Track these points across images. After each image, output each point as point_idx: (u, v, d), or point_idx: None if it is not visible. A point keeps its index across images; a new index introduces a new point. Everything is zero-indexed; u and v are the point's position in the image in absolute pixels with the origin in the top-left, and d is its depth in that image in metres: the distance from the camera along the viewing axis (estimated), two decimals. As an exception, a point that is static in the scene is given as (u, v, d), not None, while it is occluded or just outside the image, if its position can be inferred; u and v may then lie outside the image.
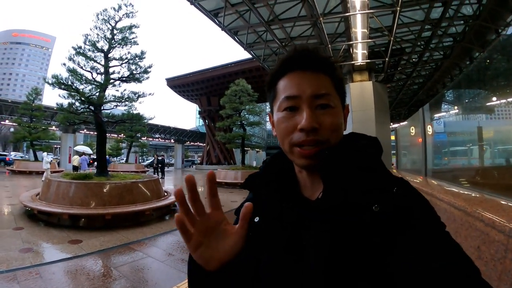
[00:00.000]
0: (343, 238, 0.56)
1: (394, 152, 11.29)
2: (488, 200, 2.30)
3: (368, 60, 11.89)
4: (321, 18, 9.48)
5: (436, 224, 0.55)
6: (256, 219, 0.70)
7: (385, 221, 0.54)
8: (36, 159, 23.23)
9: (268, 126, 76.41)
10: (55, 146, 44.25)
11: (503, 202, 2.15)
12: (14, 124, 25.50)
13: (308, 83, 0.65)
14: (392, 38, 10.21)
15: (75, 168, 17.11)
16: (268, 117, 0.79)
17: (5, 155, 35.40)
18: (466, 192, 2.85)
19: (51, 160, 17.96)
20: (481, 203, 2.15)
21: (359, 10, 8.47)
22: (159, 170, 21.81)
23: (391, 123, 18.00)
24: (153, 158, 27.56)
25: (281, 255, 0.62)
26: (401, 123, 21.04)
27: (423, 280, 0.47)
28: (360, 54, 11.20)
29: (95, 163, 10.42)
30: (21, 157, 35.05)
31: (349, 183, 0.60)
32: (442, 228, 0.55)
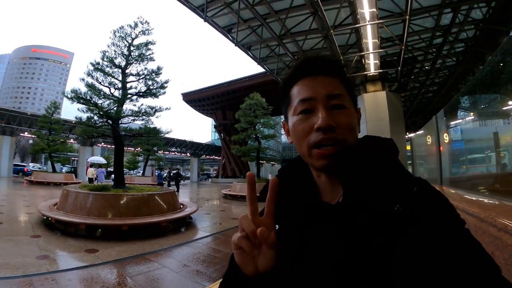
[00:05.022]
0: (355, 241, 0.56)
1: (410, 162, 11.22)
2: (502, 206, 2.29)
3: (381, 70, 11.88)
4: (331, 31, 9.58)
5: (454, 221, 0.54)
6: (276, 227, 0.68)
7: (404, 221, 0.54)
8: (54, 170, 23.71)
9: (283, 139, 77.08)
10: (73, 158, 45.07)
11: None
12: (33, 136, 26.14)
13: (321, 85, 0.67)
14: (403, 47, 10.18)
15: (90, 180, 17.55)
16: (282, 128, 0.81)
17: (24, 166, 36.17)
18: (480, 199, 2.84)
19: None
20: (494, 208, 2.15)
21: (368, 21, 8.53)
22: (174, 183, 21.39)
23: (407, 133, 17.77)
24: (167, 171, 27.10)
25: (295, 262, 0.63)
26: (416, 133, 20.84)
27: (436, 275, 0.47)
28: (372, 64, 11.22)
29: (113, 175, 10.57)
30: (39, 168, 35.87)
31: (369, 184, 0.61)
32: (460, 225, 0.54)
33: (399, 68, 11.69)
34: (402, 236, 0.52)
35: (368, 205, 0.58)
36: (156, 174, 20.65)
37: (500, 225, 1.76)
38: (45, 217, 7.32)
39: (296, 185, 0.75)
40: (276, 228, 0.68)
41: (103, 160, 26.30)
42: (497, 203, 2.47)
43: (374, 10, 8.21)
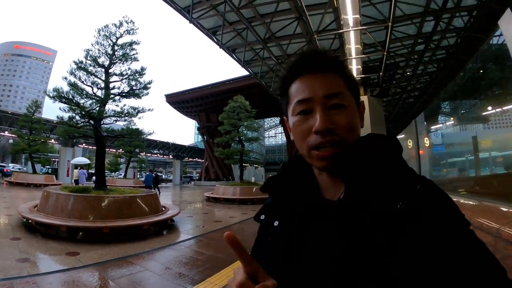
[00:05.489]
0: (356, 239, 0.55)
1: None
2: (479, 206, 2.39)
3: (363, 75, 12.05)
4: (315, 36, 9.71)
5: (458, 221, 0.53)
6: (276, 223, 0.70)
7: (405, 220, 0.52)
8: (34, 171, 23.23)
9: (267, 141, 77.32)
10: (54, 159, 44.03)
11: (491, 205, 2.25)
12: (13, 135, 25.55)
13: (319, 84, 0.65)
14: (385, 53, 10.38)
15: (76, 182, 17.27)
16: (285, 125, 0.78)
17: (3, 166, 35.23)
18: (457, 199, 2.94)
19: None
20: (471, 208, 2.24)
21: (352, 27, 8.65)
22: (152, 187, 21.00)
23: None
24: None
25: (295, 259, 0.62)
26: (397, 136, 21.22)
27: (439, 276, 0.45)
28: (354, 70, 11.36)
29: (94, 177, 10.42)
30: (19, 169, 35.01)
31: (372, 181, 0.59)
32: (464, 226, 0.53)
33: (381, 73, 11.89)
34: (403, 236, 0.51)
35: (371, 204, 0.57)
36: (144, 175, 20.32)
37: (476, 223, 1.86)
38: (25, 219, 7.22)
39: (297, 182, 0.73)
40: (276, 225, 0.70)
41: (87, 160, 25.81)
42: (473, 203, 2.58)
43: (358, 16, 8.32)
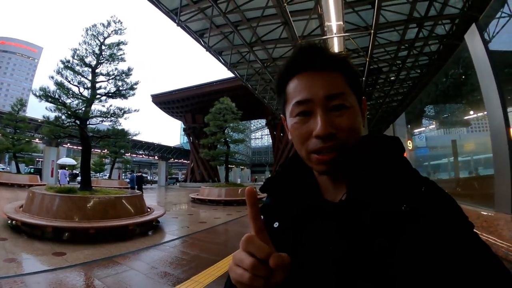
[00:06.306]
0: (356, 239, 0.55)
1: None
2: None
3: (346, 80, 12.30)
4: (300, 41, 9.91)
5: (462, 223, 0.53)
6: (276, 225, 0.68)
7: (408, 221, 0.52)
8: (18, 171, 22.74)
9: (253, 143, 76.95)
10: (38, 159, 43.03)
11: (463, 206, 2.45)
12: (-3, 134, 24.98)
13: (319, 84, 0.61)
14: (368, 59, 10.64)
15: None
16: (282, 123, 0.74)
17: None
18: None
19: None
20: None
21: (335, 33, 8.88)
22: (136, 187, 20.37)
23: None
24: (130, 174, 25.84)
25: (294, 259, 0.56)
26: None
27: (441, 276, 0.46)
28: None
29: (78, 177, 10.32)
30: (3, 168, 34.22)
31: (375, 182, 0.58)
32: (468, 228, 0.52)
33: (363, 78, 12.16)
34: (404, 236, 0.51)
35: (373, 204, 0.55)
36: (129, 176, 20.48)
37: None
38: (10, 220, 7.16)
39: (297, 182, 0.71)
40: (276, 226, 0.67)
41: (73, 161, 25.49)
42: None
43: (341, 23, 8.52)
